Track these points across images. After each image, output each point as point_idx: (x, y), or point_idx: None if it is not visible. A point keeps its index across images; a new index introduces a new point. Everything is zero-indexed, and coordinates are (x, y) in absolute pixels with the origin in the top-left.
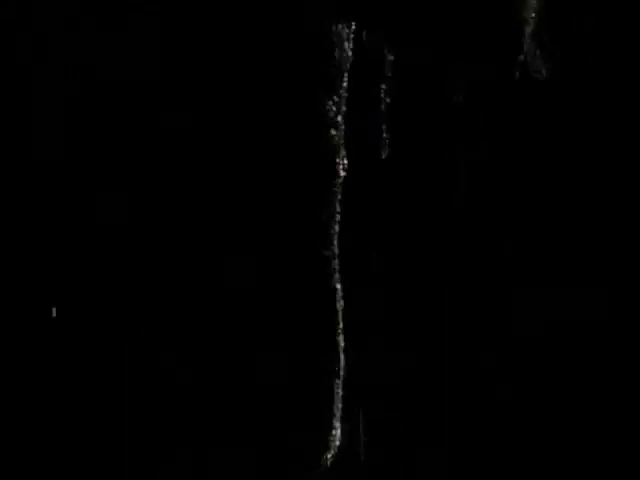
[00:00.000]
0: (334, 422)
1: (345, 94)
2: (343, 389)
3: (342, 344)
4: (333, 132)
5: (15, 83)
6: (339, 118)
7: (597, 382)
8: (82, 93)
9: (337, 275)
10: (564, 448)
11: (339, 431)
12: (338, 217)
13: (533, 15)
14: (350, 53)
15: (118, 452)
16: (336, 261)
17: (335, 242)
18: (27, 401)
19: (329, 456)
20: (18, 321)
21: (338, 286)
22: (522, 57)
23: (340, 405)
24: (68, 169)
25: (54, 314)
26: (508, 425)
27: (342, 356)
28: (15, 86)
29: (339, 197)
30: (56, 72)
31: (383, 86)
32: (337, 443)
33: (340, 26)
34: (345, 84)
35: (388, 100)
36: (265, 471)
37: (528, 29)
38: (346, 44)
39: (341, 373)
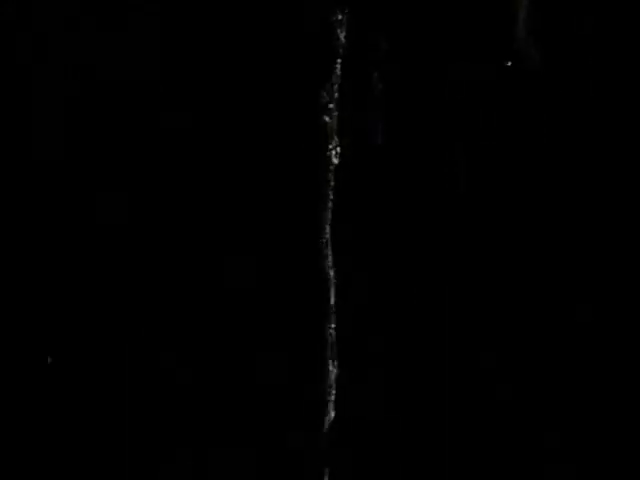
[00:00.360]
0: (328, 412)
1: (338, 81)
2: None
3: (334, 335)
4: (326, 119)
5: (15, 83)
6: (332, 105)
7: (597, 382)
8: (82, 93)
9: (330, 262)
10: (564, 448)
11: (332, 414)
12: (331, 204)
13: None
14: (343, 40)
15: (118, 452)
16: (329, 248)
17: (328, 229)
18: (28, 401)
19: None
20: (17, 320)
21: (331, 273)
22: (515, 44)
23: (334, 396)
24: (68, 169)
25: (54, 313)
26: (508, 425)
27: (335, 348)
28: (15, 86)
29: (332, 184)
30: (56, 72)
31: (377, 75)
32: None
33: (335, 14)
34: (338, 72)
35: (383, 88)
36: (264, 469)
37: (522, 15)
38: (339, 31)
39: (335, 364)
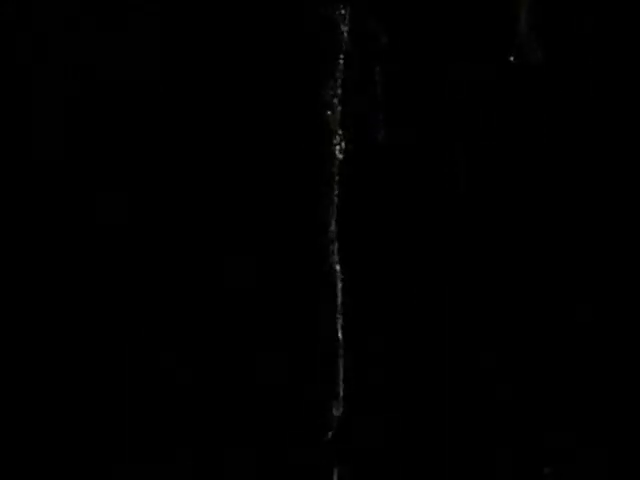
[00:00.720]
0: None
1: (341, 77)
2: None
3: (341, 335)
4: (329, 114)
5: (15, 83)
6: (335, 100)
7: (596, 381)
8: (82, 93)
9: (336, 258)
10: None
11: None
12: (336, 200)
13: None
14: (346, 36)
15: (118, 452)
16: (335, 244)
17: (333, 224)
18: (28, 401)
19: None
20: (18, 320)
21: (337, 267)
22: (517, 40)
23: (340, 399)
24: (68, 169)
25: (54, 312)
26: (508, 425)
27: (341, 348)
28: (15, 86)
29: (337, 179)
30: (56, 72)
31: (378, 69)
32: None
33: (337, 10)
34: (341, 67)
35: (384, 84)
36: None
37: (523, 12)
38: (342, 27)
39: (340, 367)
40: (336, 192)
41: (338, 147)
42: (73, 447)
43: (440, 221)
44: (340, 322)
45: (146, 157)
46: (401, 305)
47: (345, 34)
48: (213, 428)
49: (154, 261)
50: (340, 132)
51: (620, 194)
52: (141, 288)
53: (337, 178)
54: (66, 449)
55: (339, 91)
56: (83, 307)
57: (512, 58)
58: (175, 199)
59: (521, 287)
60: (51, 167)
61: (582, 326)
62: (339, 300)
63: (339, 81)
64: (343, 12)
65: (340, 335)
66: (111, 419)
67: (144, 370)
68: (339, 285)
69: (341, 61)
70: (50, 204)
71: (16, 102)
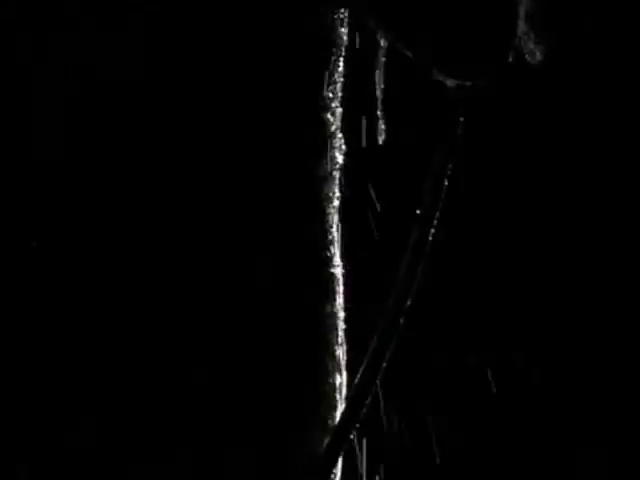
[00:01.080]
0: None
1: (341, 79)
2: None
3: (342, 335)
4: (329, 117)
5: (15, 83)
6: (335, 102)
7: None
8: (82, 93)
9: (336, 261)
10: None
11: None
12: (337, 204)
13: None
14: (345, 37)
15: (118, 452)
16: (336, 247)
17: (334, 228)
18: (27, 400)
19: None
20: (18, 319)
21: (339, 271)
22: (516, 40)
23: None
24: (68, 169)
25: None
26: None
27: (344, 350)
28: (15, 86)
29: (337, 183)
30: (56, 72)
31: (378, 72)
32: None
33: (335, 11)
34: (340, 69)
35: (383, 86)
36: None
37: (522, 10)
38: (341, 29)
39: (343, 366)
40: (337, 195)
41: (338, 149)
42: (71, 446)
43: (439, 221)
44: (341, 323)
45: (147, 157)
46: (401, 304)
47: (345, 35)
48: (213, 428)
49: (159, 263)
50: (340, 135)
51: (620, 195)
52: (145, 288)
53: (337, 182)
54: (64, 448)
55: (339, 93)
56: (81, 305)
57: (511, 59)
58: (178, 201)
59: (520, 286)
60: (51, 167)
61: (581, 327)
62: (341, 301)
63: (339, 83)
64: (342, 12)
65: (341, 335)
66: (111, 419)
67: (144, 370)
68: (341, 287)
69: (341, 62)
70: (50, 204)
71: (16, 102)
